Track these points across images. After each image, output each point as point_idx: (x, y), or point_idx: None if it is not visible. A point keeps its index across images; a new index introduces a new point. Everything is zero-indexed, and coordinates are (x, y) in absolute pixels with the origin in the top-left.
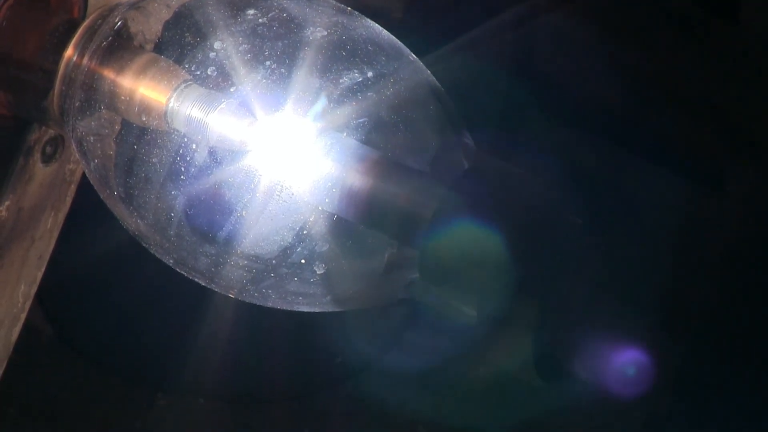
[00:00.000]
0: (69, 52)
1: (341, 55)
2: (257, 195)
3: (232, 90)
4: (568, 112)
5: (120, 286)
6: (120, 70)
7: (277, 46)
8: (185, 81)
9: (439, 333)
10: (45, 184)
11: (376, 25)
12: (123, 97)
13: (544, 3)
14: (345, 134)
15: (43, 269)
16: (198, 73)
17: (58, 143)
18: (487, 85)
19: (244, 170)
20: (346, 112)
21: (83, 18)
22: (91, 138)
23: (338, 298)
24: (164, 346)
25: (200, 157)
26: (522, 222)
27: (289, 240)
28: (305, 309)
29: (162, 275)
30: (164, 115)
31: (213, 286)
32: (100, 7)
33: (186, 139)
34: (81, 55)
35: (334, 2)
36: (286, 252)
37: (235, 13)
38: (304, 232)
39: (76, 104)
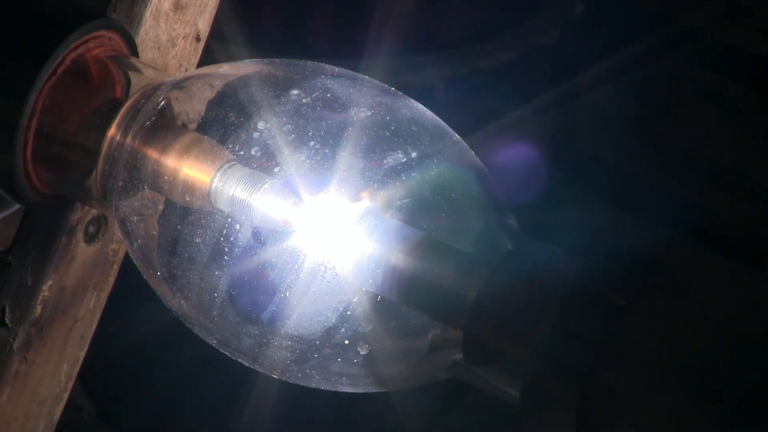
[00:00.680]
0: (112, 131)
1: (385, 135)
2: (301, 275)
3: (275, 170)
4: (608, 190)
5: (163, 366)
6: (163, 149)
7: (320, 127)
8: (229, 161)
9: (482, 413)
10: (88, 264)
11: (420, 104)
12: (166, 177)
13: (585, 82)
14: (388, 215)
15: (85, 349)
16: (242, 153)
17: (100, 223)
18: (530, 164)
19: (288, 251)
20: (390, 192)
21: (126, 97)
22: (135, 218)
23: (381, 379)
24: (206, 427)
25: (244, 237)
26: (565, 304)
27: (333, 321)
28: (348, 389)
29: (205, 356)
30: (208, 195)
31: (257, 367)
32: (142, 87)
33: (230, 220)
34: (124, 135)
35: (378, 82)
36: (329, 333)
37: (278, 92)
38: (348, 312)
39: (119, 184)
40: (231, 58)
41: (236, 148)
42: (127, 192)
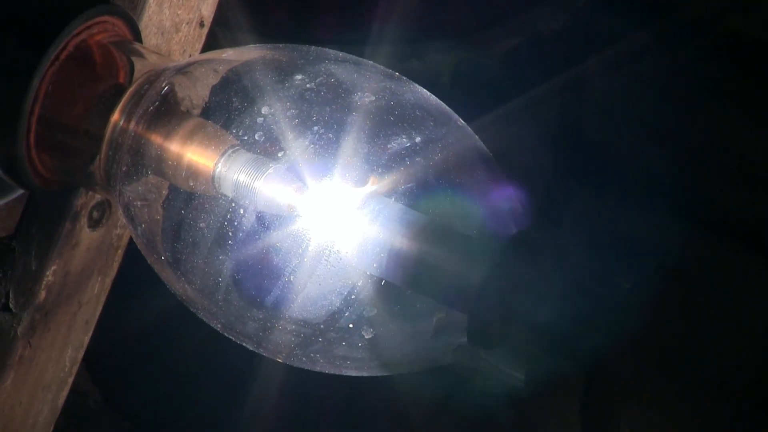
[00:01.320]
0: (116, 116)
1: (389, 120)
2: (305, 260)
3: (279, 155)
4: (614, 178)
5: (167, 351)
6: (167, 134)
7: (324, 111)
8: (233, 146)
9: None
10: (92, 249)
11: (424, 90)
12: (170, 162)
13: (592, 69)
14: (393, 199)
15: (90, 334)
16: (245, 138)
17: (104, 208)
18: (534, 151)
19: (292, 235)
20: (394, 177)
21: (129, 83)
22: (138, 203)
23: (386, 363)
24: (211, 410)
25: (248, 222)
26: (569, 289)
27: (338, 304)
28: (353, 373)
29: (210, 340)
30: (212, 180)
31: (261, 351)
32: (146, 72)
33: (234, 204)
34: (128, 120)
35: (382, 67)
36: (334, 316)
37: (282, 78)
38: (352, 296)
39: (123, 169)
40: (235, 44)
41: (240, 134)
42: (131, 177)
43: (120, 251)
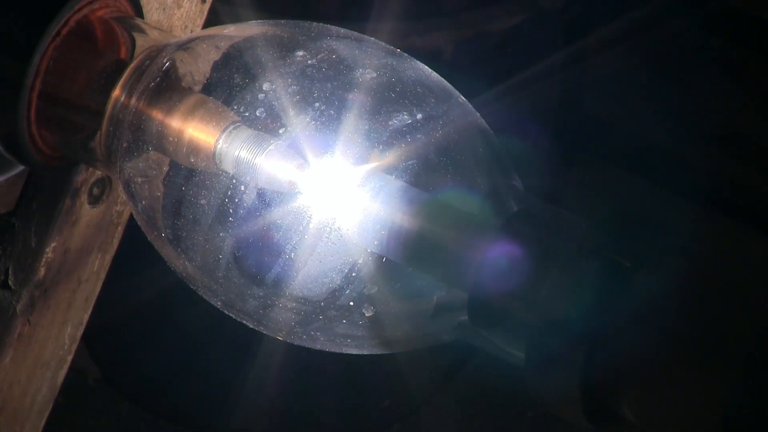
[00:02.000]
0: (117, 92)
1: (390, 96)
2: (306, 237)
3: (281, 131)
4: (616, 153)
5: (167, 329)
6: (168, 110)
7: (326, 88)
8: (234, 122)
9: (488, 377)
10: (92, 226)
11: (426, 66)
12: (171, 138)
13: (593, 45)
14: (394, 176)
15: (89, 311)
16: (247, 114)
17: (105, 185)
18: (535, 127)
19: (293, 212)
20: (395, 154)
21: (131, 59)
22: (139, 179)
23: (386, 341)
24: (212, 388)
25: (249, 198)
26: (570, 265)
27: (338, 282)
28: (353, 351)
29: (210, 317)
30: (213, 157)
31: (261, 329)
32: (147, 48)
33: (234, 181)
34: (129, 96)
35: (383, 43)
36: (334, 294)
37: (284, 54)
38: (353, 274)
39: (124, 145)
40: (237, 20)
41: (241, 110)
42: (132, 153)
43: (120, 228)
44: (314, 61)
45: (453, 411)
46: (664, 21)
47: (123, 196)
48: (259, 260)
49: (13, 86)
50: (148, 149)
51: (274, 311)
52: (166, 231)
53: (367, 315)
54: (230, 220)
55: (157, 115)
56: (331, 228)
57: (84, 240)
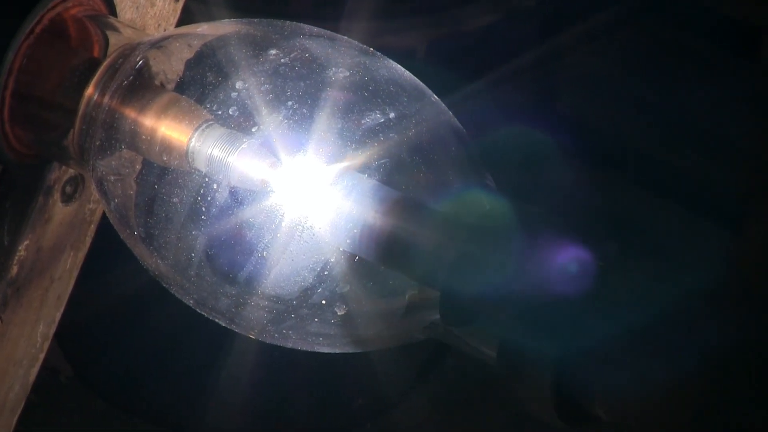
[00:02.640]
0: (90, 90)
1: (363, 95)
2: (278, 235)
3: (253, 130)
4: (590, 152)
5: (140, 327)
6: (141, 109)
7: (299, 87)
8: (207, 121)
9: (462, 376)
10: (65, 224)
11: (398, 65)
12: (144, 137)
13: (566, 43)
14: (366, 175)
15: (62, 309)
16: (219, 112)
17: (78, 183)
18: (509, 125)
19: (265, 210)
20: (368, 152)
21: (104, 57)
22: (112, 177)
23: (359, 339)
24: (184, 386)
25: (221, 197)
26: (542, 264)
27: (310, 281)
28: (326, 350)
29: (182, 316)
30: (185, 155)
31: (233, 327)
32: (121, 47)
33: (207, 179)
34: (102, 94)
35: (356, 42)
36: (306, 293)
37: (257, 52)
38: (325, 272)
39: (97, 143)
40: (210, 18)
41: (214, 108)
42: (105, 152)
43: (93, 226)
44: (287, 59)
45: (426, 410)
46: (638, 19)
47: (96, 194)
48: (231, 258)
49: None
50: (121, 147)
51: (246, 309)
52: (138, 229)
53: (339, 313)
54: (203, 219)
55: (130, 113)
56: (303, 226)
57: (57, 238)
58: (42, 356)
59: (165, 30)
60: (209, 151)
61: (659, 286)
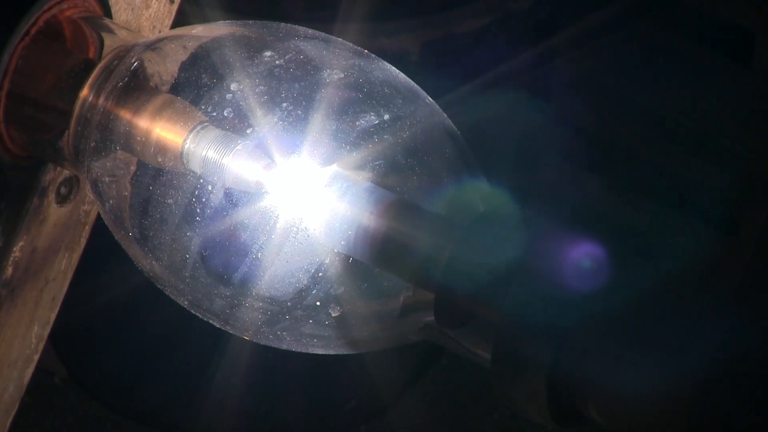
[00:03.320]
0: (84, 92)
1: (358, 97)
2: (273, 237)
3: (248, 131)
4: (583, 154)
5: (134, 328)
6: (136, 110)
7: (293, 88)
8: (201, 122)
9: (456, 378)
10: (59, 225)
11: (393, 67)
12: (139, 138)
13: (559, 45)
14: (361, 176)
15: (56, 310)
16: (214, 114)
17: (72, 184)
18: (504, 127)
19: (260, 212)
20: (362, 154)
21: (99, 58)
22: (107, 179)
23: (353, 341)
24: (178, 388)
25: (216, 198)
26: (536, 266)
27: (305, 282)
28: (320, 351)
29: (177, 317)
30: (180, 157)
31: (228, 328)
32: (116, 48)
33: (202, 181)
34: (97, 96)
35: (351, 44)
36: (301, 294)
37: (252, 54)
38: (320, 274)
39: (92, 145)
40: (205, 21)
41: (209, 110)
42: (100, 153)
43: (87, 227)
44: (282, 61)
45: (420, 412)
46: (632, 22)
47: (90, 196)
48: (226, 260)
49: None
50: (115, 149)
51: (240, 311)
52: (133, 230)
53: (333, 315)
54: (197, 220)
55: (124, 114)
56: (298, 228)
57: (51, 239)
58: (36, 357)
59: (160, 32)
60: (204, 153)
61: (656, 287)
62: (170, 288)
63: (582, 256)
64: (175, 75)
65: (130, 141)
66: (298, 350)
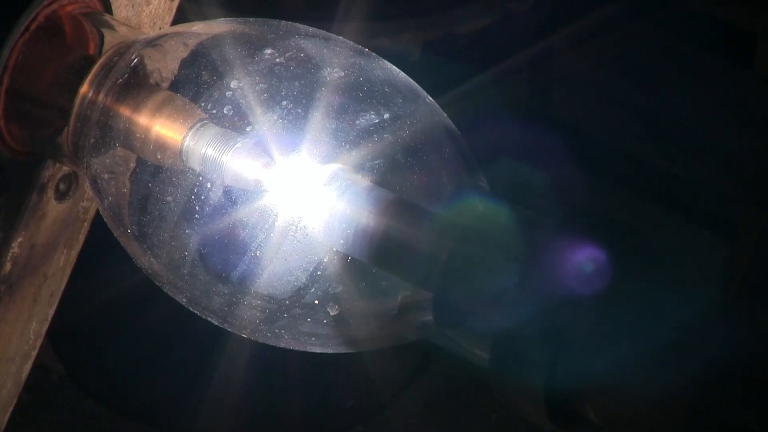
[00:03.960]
0: (84, 88)
1: (358, 96)
2: (272, 235)
3: (248, 129)
4: (582, 155)
5: (132, 325)
6: (135, 107)
7: (293, 86)
8: (201, 120)
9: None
10: (58, 222)
11: (393, 66)
12: (138, 135)
13: (559, 45)
14: (360, 175)
15: (54, 307)
16: (214, 111)
17: (72, 180)
18: (502, 127)
19: (259, 210)
20: (362, 153)
21: (99, 55)
22: (106, 175)
23: (351, 340)
24: (176, 386)
25: (215, 196)
26: (535, 265)
27: (303, 280)
28: (318, 350)
29: (175, 314)
30: (179, 154)
31: (226, 326)
32: (116, 44)
33: (201, 178)
34: (96, 92)
35: (351, 43)
36: (299, 292)
37: (252, 52)
38: (318, 273)
39: (91, 141)
40: (204, 18)
41: (209, 107)
42: (99, 149)
43: (86, 224)
44: (282, 59)
45: (417, 412)
46: (632, 24)
47: (90, 192)
48: (224, 258)
49: None
50: (115, 146)
51: (239, 309)
52: (132, 227)
53: (332, 314)
54: (196, 218)
55: (124, 111)
56: (296, 226)
57: (50, 236)
58: (35, 353)
59: (160, 28)
60: (203, 150)
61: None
62: (169, 285)
63: (581, 257)
64: (175, 72)
65: (129, 138)
66: (297, 349)
